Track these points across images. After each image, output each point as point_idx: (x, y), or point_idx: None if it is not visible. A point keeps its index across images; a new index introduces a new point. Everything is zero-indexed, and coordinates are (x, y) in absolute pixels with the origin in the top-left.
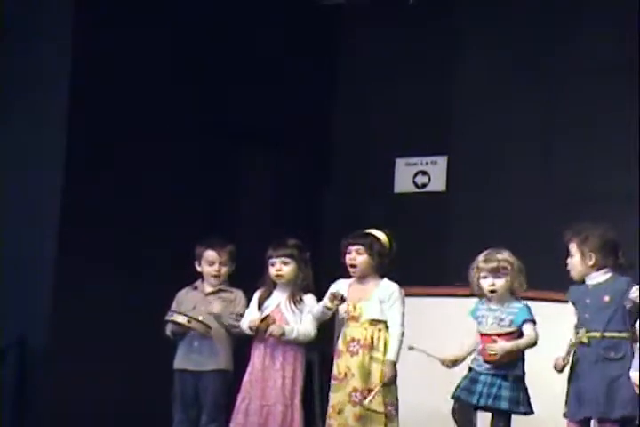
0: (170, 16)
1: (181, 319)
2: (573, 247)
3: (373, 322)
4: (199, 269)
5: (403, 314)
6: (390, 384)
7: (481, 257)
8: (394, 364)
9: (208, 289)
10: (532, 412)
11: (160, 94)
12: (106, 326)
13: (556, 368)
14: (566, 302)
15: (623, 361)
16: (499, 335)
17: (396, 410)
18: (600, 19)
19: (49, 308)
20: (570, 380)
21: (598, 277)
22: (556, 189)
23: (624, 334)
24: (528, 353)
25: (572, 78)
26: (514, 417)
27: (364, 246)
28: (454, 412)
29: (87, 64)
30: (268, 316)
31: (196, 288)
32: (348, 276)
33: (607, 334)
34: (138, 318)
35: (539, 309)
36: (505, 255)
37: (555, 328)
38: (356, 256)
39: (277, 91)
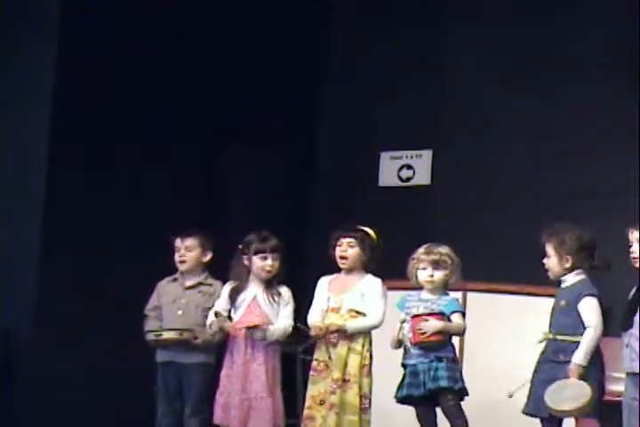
0: (166, 16)
1: (172, 334)
2: (550, 249)
3: (353, 313)
4: None
5: (383, 308)
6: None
7: (422, 249)
8: (344, 330)
9: (188, 283)
10: (466, 392)
11: (150, 92)
12: (90, 321)
13: None
14: (547, 295)
15: (569, 365)
16: (429, 315)
17: (370, 403)
18: (596, 18)
19: (34, 302)
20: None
21: (569, 280)
22: (542, 184)
23: (577, 338)
24: (508, 348)
25: (560, 73)
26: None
27: (357, 240)
28: (418, 416)
29: (80, 61)
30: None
31: (175, 280)
32: (333, 269)
33: (559, 337)
34: (123, 313)
35: (521, 303)
36: (447, 250)
37: (536, 322)
38: (348, 249)
39: (263, 88)
